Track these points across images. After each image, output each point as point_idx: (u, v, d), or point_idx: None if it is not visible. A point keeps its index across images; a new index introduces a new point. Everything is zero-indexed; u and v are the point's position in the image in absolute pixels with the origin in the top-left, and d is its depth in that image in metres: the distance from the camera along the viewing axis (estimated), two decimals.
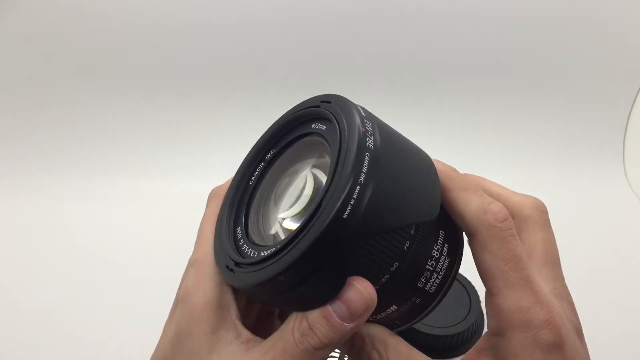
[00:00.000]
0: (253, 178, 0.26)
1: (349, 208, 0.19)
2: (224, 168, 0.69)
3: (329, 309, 0.22)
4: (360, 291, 0.22)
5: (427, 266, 0.24)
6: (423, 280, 0.24)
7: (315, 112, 0.24)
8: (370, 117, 0.23)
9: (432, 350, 0.45)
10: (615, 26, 0.69)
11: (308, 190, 0.25)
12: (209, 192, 0.29)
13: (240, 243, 0.24)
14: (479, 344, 0.25)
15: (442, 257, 0.24)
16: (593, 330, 0.49)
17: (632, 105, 0.73)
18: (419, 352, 0.25)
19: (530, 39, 0.69)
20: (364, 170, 0.20)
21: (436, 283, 0.25)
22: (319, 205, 0.20)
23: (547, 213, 0.27)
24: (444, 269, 0.25)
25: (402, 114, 0.72)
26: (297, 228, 0.20)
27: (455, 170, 0.26)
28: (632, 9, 0.68)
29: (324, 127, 0.24)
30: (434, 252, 0.24)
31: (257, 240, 0.25)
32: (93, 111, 0.70)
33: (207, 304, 0.24)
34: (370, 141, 0.21)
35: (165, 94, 0.70)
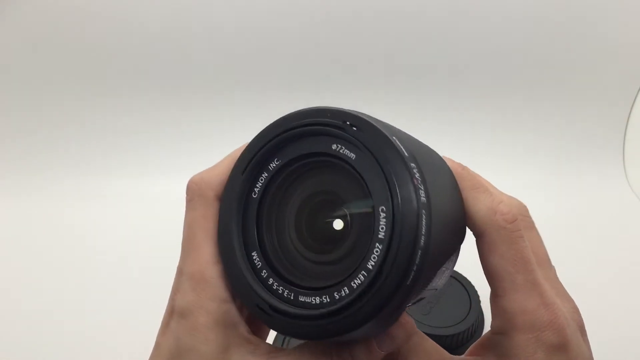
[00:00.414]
0: (257, 190, 0.23)
1: (412, 275, 0.19)
2: None
3: (374, 343, 0.22)
4: (405, 327, 0.23)
5: (443, 268, 0.24)
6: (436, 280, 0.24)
7: (338, 133, 0.22)
8: (407, 148, 0.21)
9: None
10: (615, 26, 0.69)
11: (351, 238, 0.22)
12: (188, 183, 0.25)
13: (265, 275, 0.22)
14: (482, 340, 0.25)
15: (454, 256, 0.25)
16: (593, 330, 0.49)
17: (632, 105, 0.73)
18: (442, 348, 0.25)
19: (530, 39, 0.69)
20: (423, 232, 0.19)
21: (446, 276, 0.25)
22: (380, 272, 0.19)
23: (529, 216, 0.26)
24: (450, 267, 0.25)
25: (401, 113, 0.72)
26: (356, 290, 0.20)
27: (465, 167, 0.26)
28: (632, 9, 0.68)
29: (352, 155, 0.21)
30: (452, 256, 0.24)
31: (286, 274, 0.23)
32: (93, 111, 0.70)
33: (213, 324, 0.22)
34: (422, 194, 0.20)
35: (166, 94, 0.70)
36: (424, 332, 0.51)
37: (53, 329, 0.49)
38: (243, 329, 0.23)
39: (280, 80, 0.70)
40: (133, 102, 0.70)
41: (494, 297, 0.24)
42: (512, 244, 0.23)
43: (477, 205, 0.24)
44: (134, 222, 0.63)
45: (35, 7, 0.65)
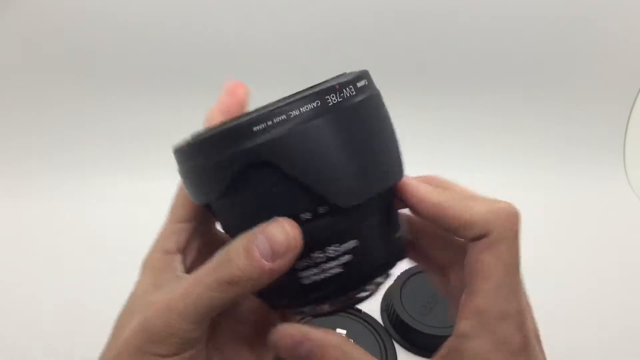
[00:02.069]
0: None
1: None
2: None
3: (252, 243, 0.22)
4: (286, 230, 0.22)
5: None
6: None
7: None
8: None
9: (431, 350, 0.45)
10: (615, 26, 0.69)
11: None
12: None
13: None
14: (442, 350, 0.24)
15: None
16: (593, 329, 0.49)
17: (633, 105, 0.73)
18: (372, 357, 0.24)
19: (530, 39, 0.69)
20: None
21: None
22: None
23: (517, 224, 0.24)
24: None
25: (401, 113, 0.72)
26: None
27: (435, 177, 0.27)
28: (632, 9, 0.68)
29: None
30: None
31: None
32: (93, 111, 0.70)
33: (148, 269, 0.27)
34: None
35: (166, 94, 0.70)
36: (423, 332, 0.51)
37: (53, 329, 0.49)
38: (180, 272, 0.26)
39: (280, 80, 0.70)
40: (134, 103, 0.70)
41: (471, 295, 0.23)
42: (511, 246, 0.23)
43: (474, 208, 0.24)
44: (135, 223, 0.63)
45: (34, 7, 0.65)
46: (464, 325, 0.23)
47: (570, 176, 0.72)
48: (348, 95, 0.23)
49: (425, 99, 0.72)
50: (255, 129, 0.22)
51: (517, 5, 0.67)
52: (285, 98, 0.23)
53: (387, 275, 0.26)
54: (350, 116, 0.23)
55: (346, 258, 0.23)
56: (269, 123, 0.22)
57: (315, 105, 0.22)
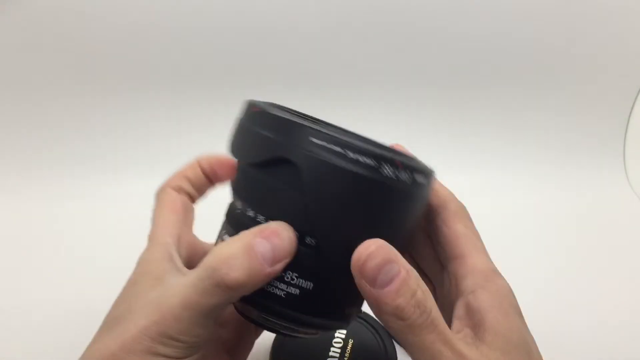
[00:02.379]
0: None
1: None
2: None
3: (253, 243, 0.23)
4: (285, 230, 0.23)
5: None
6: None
7: None
8: None
9: None
10: (615, 26, 0.69)
11: None
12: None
13: None
14: (458, 311, 0.26)
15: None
16: (593, 330, 0.49)
17: (633, 106, 0.73)
18: None
19: (529, 41, 0.69)
20: None
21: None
22: None
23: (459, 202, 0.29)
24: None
25: (402, 113, 0.72)
26: None
27: None
28: (632, 9, 0.68)
29: None
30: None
31: None
32: (93, 111, 0.70)
33: (151, 260, 0.28)
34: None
35: (166, 94, 0.70)
36: None
37: (53, 329, 0.49)
38: (179, 264, 0.27)
39: (279, 80, 0.70)
40: (134, 103, 0.70)
41: (460, 259, 0.27)
42: (469, 218, 0.28)
43: (440, 190, 0.29)
44: (135, 223, 0.63)
45: (34, 6, 0.65)
46: (468, 282, 0.26)
47: (570, 177, 0.72)
48: (402, 179, 0.24)
49: (423, 101, 0.72)
50: (314, 140, 0.23)
51: (517, 5, 0.67)
52: (354, 134, 0.24)
53: (318, 333, 0.27)
54: (388, 197, 0.24)
55: (294, 290, 0.24)
56: (328, 146, 0.23)
57: (371, 164, 0.23)
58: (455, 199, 0.28)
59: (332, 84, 0.70)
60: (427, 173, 0.25)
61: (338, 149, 0.22)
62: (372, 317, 0.51)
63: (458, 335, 0.24)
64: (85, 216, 0.65)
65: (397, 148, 0.27)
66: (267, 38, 0.68)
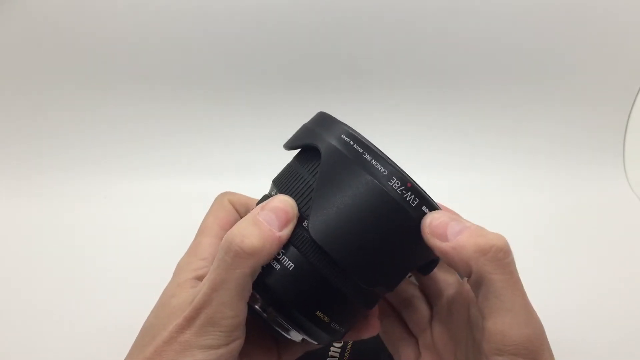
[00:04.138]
0: None
1: None
2: (228, 169, 0.69)
3: (257, 216, 0.25)
4: (285, 199, 0.25)
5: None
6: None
7: None
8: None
9: None
10: (615, 26, 0.69)
11: None
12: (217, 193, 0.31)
13: None
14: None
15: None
16: (593, 330, 0.49)
17: (632, 106, 0.73)
18: None
19: (529, 39, 0.69)
20: None
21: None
22: None
23: (508, 254, 0.25)
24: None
25: (401, 115, 0.72)
26: None
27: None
28: (632, 9, 0.68)
29: None
30: None
31: None
32: (93, 111, 0.70)
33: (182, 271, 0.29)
34: None
35: (166, 94, 0.70)
36: None
37: (54, 330, 0.49)
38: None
39: (279, 80, 0.70)
40: (134, 103, 0.70)
41: (490, 319, 0.24)
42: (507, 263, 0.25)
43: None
44: (135, 223, 0.63)
45: (35, 7, 0.65)
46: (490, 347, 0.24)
47: (570, 177, 0.72)
48: (408, 200, 0.25)
49: (423, 101, 0.72)
50: (342, 136, 0.25)
51: (517, 5, 0.67)
52: (383, 156, 0.25)
53: (304, 338, 0.28)
54: (397, 218, 0.25)
55: (288, 264, 0.25)
56: (352, 144, 0.25)
57: (384, 173, 0.24)
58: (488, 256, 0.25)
59: (333, 84, 0.70)
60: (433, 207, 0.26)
61: (358, 148, 0.25)
62: None
63: None
64: (87, 217, 0.65)
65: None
66: (268, 38, 0.68)
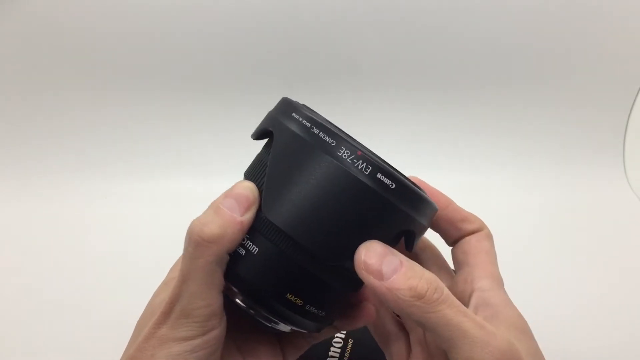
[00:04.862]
0: None
1: None
2: (228, 169, 0.69)
3: (219, 204, 0.25)
4: (246, 184, 0.25)
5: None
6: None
7: None
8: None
9: None
10: (615, 26, 0.69)
11: None
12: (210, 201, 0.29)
13: None
14: (473, 302, 0.28)
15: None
16: (593, 330, 0.49)
17: (632, 106, 0.73)
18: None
19: (529, 40, 0.69)
20: None
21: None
22: None
23: (442, 290, 0.25)
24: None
25: (401, 115, 0.72)
26: None
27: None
28: (632, 9, 0.68)
29: None
30: None
31: None
32: (93, 112, 0.70)
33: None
34: None
35: (166, 94, 0.70)
36: None
37: (54, 330, 0.49)
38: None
39: (280, 80, 0.70)
40: (134, 103, 0.70)
41: (479, 265, 0.29)
42: (493, 244, 0.31)
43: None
44: (136, 223, 0.63)
45: (35, 7, 0.65)
46: (485, 283, 0.28)
47: (570, 177, 0.72)
48: (360, 168, 0.24)
49: (423, 101, 0.72)
50: (293, 114, 0.25)
51: (516, 5, 0.67)
52: (332, 128, 0.25)
53: (288, 328, 0.27)
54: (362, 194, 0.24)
55: (251, 249, 0.25)
56: (301, 121, 0.25)
57: (330, 143, 0.24)
58: (487, 227, 0.31)
59: (333, 84, 0.70)
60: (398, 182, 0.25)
61: (307, 124, 0.25)
62: None
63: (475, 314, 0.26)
64: (87, 217, 0.65)
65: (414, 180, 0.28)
66: (268, 38, 0.68)
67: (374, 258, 0.24)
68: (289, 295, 0.25)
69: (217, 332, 0.25)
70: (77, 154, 0.71)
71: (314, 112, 0.27)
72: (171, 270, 0.30)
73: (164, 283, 0.28)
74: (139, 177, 0.70)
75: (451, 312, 0.23)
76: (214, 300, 0.25)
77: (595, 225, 0.65)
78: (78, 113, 0.70)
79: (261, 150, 0.28)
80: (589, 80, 0.72)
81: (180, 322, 0.24)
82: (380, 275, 0.23)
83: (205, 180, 0.68)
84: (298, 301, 0.25)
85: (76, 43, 0.67)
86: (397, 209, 0.24)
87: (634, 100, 0.73)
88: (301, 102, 0.28)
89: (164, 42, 0.67)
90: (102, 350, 0.46)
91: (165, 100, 0.70)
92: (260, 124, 0.28)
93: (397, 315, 0.33)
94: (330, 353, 0.42)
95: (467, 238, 0.30)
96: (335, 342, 0.43)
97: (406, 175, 0.26)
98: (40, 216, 0.65)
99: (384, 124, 0.71)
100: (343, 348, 0.43)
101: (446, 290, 0.24)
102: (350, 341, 0.44)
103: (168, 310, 0.25)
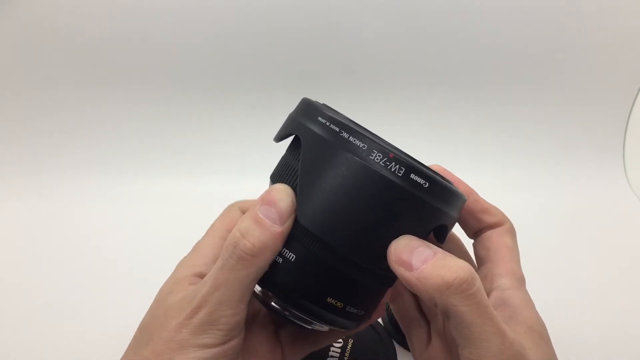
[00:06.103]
0: None
1: None
2: (229, 169, 0.69)
3: (258, 213, 0.24)
4: (283, 189, 0.25)
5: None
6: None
7: None
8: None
9: None
10: (615, 26, 0.69)
11: None
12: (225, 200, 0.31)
13: None
14: (492, 301, 0.27)
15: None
16: (592, 329, 0.49)
17: (632, 106, 0.73)
18: None
19: (529, 39, 0.69)
20: None
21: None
22: None
23: (473, 283, 0.25)
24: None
25: (401, 115, 0.72)
26: None
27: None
28: (632, 9, 0.68)
29: None
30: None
31: None
32: (93, 112, 0.70)
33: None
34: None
35: (166, 95, 0.70)
36: None
37: (55, 330, 0.49)
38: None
39: (280, 79, 0.70)
40: (134, 103, 0.70)
41: (500, 261, 0.29)
42: (516, 240, 0.31)
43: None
44: (136, 223, 0.63)
45: (36, 7, 0.65)
46: (505, 281, 0.28)
47: (570, 177, 0.72)
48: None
49: (424, 100, 0.72)
50: (319, 118, 0.25)
51: (516, 5, 0.67)
52: (361, 131, 0.25)
53: (324, 326, 0.27)
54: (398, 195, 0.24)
55: (283, 263, 0.25)
56: (328, 124, 0.25)
57: (361, 147, 0.24)
58: (510, 220, 0.31)
59: (335, 83, 0.70)
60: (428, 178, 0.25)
61: (335, 128, 0.24)
62: None
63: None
64: (87, 216, 0.65)
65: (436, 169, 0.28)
66: (269, 38, 0.68)
67: (405, 250, 0.24)
68: (329, 299, 0.25)
69: (236, 342, 0.25)
70: (77, 154, 0.70)
71: (337, 112, 0.27)
72: (180, 265, 0.29)
73: (176, 281, 0.27)
74: (139, 177, 0.70)
75: (478, 311, 0.23)
76: (242, 310, 0.25)
77: (595, 225, 0.65)
78: (78, 113, 0.70)
79: (285, 154, 0.28)
80: (589, 80, 0.72)
81: (204, 329, 0.24)
82: (410, 267, 0.24)
83: (205, 180, 0.68)
84: (339, 304, 0.26)
85: (76, 42, 0.67)
86: (432, 207, 0.25)
87: (634, 100, 0.73)
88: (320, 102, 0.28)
89: (164, 41, 0.67)
90: (102, 350, 0.46)
91: (165, 100, 0.70)
92: (284, 128, 0.27)
93: (419, 304, 0.33)
94: (330, 353, 0.42)
95: (489, 233, 0.30)
96: (335, 342, 0.43)
97: (427, 165, 0.26)
98: (40, 216, 0.65)
99: (385, 124, 0.71)
100: (343, 348, 0.43)
101: (478, 284, 0.23)
102: (350, 341, 0.44)
103: (193, 314, 0.24)
